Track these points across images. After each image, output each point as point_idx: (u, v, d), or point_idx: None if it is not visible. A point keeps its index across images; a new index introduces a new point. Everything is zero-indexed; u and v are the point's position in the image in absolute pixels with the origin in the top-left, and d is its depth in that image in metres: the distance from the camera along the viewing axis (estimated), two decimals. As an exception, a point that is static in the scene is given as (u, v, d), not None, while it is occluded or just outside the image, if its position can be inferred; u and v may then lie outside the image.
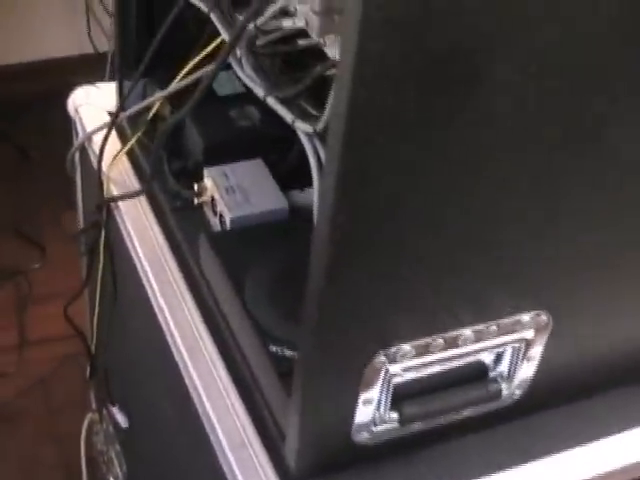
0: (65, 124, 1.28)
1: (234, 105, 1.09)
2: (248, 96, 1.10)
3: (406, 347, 0.78)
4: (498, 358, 0.87)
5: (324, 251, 0.69)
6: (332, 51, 0.76)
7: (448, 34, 0.60)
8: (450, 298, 0.77)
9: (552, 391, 0.92)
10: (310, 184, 1.01)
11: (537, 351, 0.86)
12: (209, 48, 0.94)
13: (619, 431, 0.94)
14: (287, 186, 1.02)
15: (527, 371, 0.88)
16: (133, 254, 1.05)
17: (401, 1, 0.57)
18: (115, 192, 1.10)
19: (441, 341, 0.79)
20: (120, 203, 1.08)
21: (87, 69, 2.49)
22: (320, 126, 0.70)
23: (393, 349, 0.77)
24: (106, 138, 1.04)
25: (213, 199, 1.01)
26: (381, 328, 0.76)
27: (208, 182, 1.01)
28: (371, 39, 0.58)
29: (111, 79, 1.24)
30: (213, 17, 0.83)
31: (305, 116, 0.73)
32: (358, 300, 0.73)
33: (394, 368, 0.79)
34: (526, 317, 0.82)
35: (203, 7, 0.84)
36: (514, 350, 0.85)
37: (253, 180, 1.01)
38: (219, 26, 0.81)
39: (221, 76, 1.10)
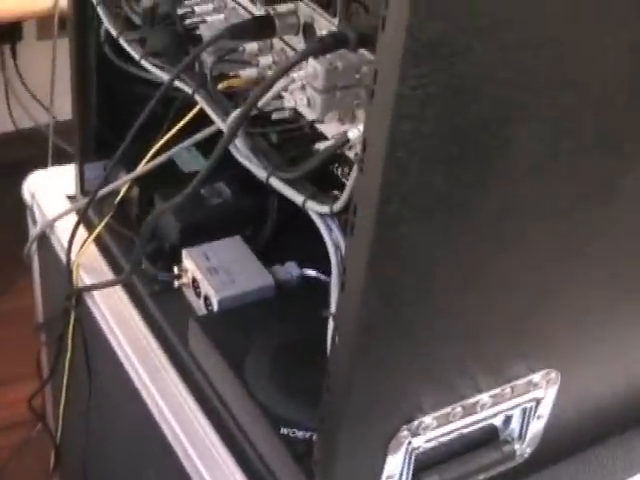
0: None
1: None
2: (216, 173, 1.09)
3: (428, 419, 0.77)
4: (507, 419, 0.86)
5: (352, 332, 0.67)
6: (329, 128, 0.75)
7: (478, 108, 0.60)
8: (469, 368, 0.77)
9: (560, 444, 0.92)
10: (288, 258, 1.01)
11: (546, 408, 0.86)
12: (178, 126, 0.92)
13: (624, 478, 0.95)
14: (264, 260, 1.01)
15: (537, 428, 0.87)
16: (113, 342, 1.02)
17: (435, 80, 0.57)
18: (87, 280, 1.07)
19: (460, 409, 0.79)
20: (94, 291, 1.05)
21: (8, 148, 2.46)
22: (338, 206, 0.68)
23: (416, 422, 0.76)
24: (77, 226, 1.01)
25: (195, 280, 0.99)
26: (405, 404, 0.75)
27: (188, 263, 0.99)
28: (404, 119, 0.58)
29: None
30: (199, 99, 0.81)
31: (316, 196, 0.72)
32: (384, 378, 0.72)
33: (417, 441, 0.77)
34: (537, 377, 0.83)
35: (187, 88, 0.82)
36: (525, 410, 0.85)
37: (234, 258, 0.99)
38: (209, 111, 0.79)
39: (183, 152, 1.08)
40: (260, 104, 0.72)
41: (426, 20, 0.55)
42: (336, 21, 0.74)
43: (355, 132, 0.68)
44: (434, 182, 0.62)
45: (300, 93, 0.72)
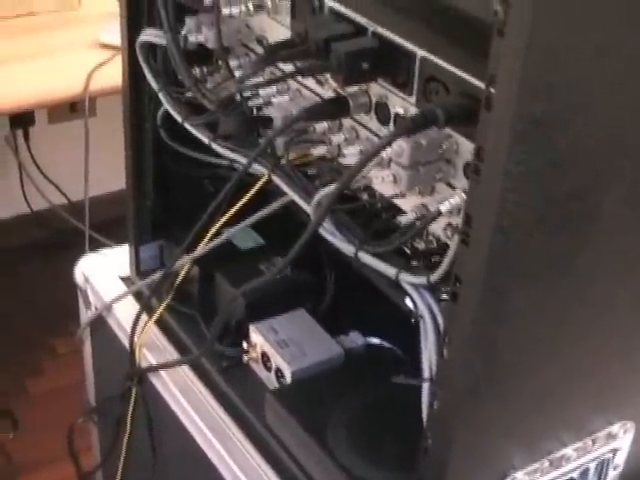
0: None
1: (260, 258, 1.10)
2: (269, 247, 1.13)
3: (520, 475, 0.79)
4: (585, 471, 0.89)
5: (454, 397, 0.70)
6: (406, 202, 0.79)
7: (572, 177, 0.64)
8: (557, 425, 0.79)
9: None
10: (347, 326, 1.04)
11: (622, 457, 0.89)
12: (238, 205, 0.95)
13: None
14: (326, 330, 1.03)
15: (614, 479, 0.90)
16: (185, 420, 1.04)
17: (537, 154, 0.60)
18: (151, 360, 1.09)
19: (547, 464, 0.81)
20: (161, 370, 1.07)
21: (23, 229, 2.49)
22: (436, 277, 0.72)
23: (509, 479, 0.79)
24: (142, 310, 1.04)
25: (264, 355, 1.01)
26: (499, 462, 0.78)
27: (257, 338, 1.02)
28: (510, 192, 0.61)
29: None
30: (277, 180, 0.85)
31: (408, 268, 0.75)
32: (483, 440, 0.74)
33: (510, 498, 0.80)
34: (615, 428, 0.85)
35: (263, 169, 0.86)
36: (604, 461, 0.88)
37: (302, 330, 1.02)
38: (289, 191, 0.83)
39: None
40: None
41: (532, 101, 0.59)
42: (413, 99, 0.77)
43: (447, 205, 0.71)
44: (533, 249, 0.65)
45: (383, 170, 0.75)
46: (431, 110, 0.70)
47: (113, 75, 1.55)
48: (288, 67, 0.86)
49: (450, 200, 0.72)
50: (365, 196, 0.84)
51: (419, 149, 0.73)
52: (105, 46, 1.65)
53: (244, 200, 0.94)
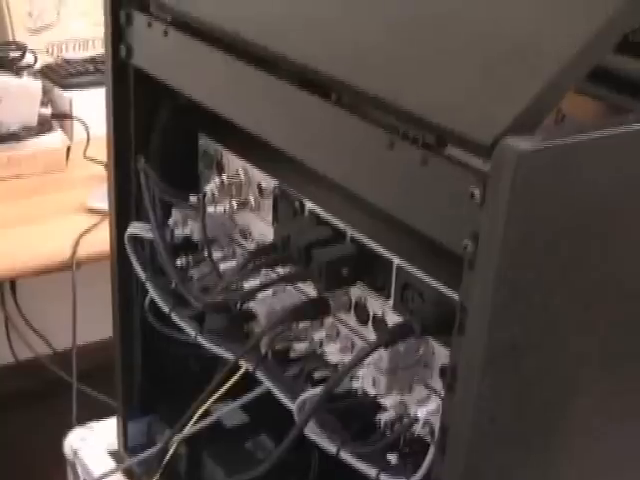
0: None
1: (246, 436, 1.12)
2: (254, 424, 1.15)
3: None
4: None
5: None
6: (387, 400, 0.82)
7: (543, 394, 0.67)
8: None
9: None
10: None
11: None
12: (225, 387, 0.98)
13: None
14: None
15: None
16: None
17: (509, 376, 0.64)
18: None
19: None
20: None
21: (8, 379, 2.50)
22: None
23: None
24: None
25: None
26: None
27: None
28: (482, 410, 0.65)
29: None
30: (262, 377, 0.88)
31: (388, 469, 0.78)
32: None
33: None
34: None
35: (247, 365, 0.89)
36: None
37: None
38: (274, 389, 0.86)
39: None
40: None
41: (502, 328, 0.63)
42: (390, 303, 0.81)
43: (424, 412, 0.75)
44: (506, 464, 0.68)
45: (365, 373, 0.79)
46: (408, 323, 0.74)
47: (101, 240, 1.60)
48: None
49: (427, 407, 0.75)
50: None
51: (397, 355, 0.77)
52: (92, 211, 1.70)
53: (229, 384, 0.96)
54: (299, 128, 0.77)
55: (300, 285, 0.91)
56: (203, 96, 0.91)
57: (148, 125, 1.02)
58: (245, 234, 1.00)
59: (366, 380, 0.78)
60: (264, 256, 0.86)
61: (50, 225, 1.69)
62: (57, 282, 1.99)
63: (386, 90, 0.67)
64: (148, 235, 0.99)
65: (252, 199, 0.95)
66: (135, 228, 1.01)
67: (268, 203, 0.94)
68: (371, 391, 0.79)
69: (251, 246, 0.99)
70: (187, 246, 1.02)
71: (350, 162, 0.72)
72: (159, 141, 1.02)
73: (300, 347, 0.90)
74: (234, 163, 0.98)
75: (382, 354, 0.76)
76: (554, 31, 0.63)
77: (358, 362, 0.75)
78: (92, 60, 2.08)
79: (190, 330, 0.97)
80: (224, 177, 0.96)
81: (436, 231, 0.66)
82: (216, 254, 1.01)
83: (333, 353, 0.87)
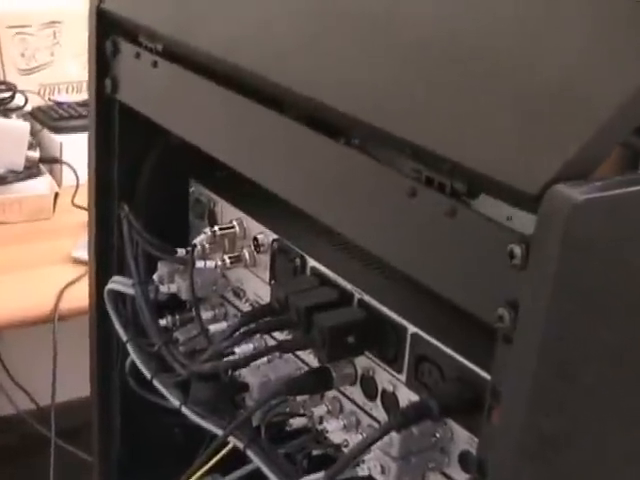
0: None
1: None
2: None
3: None
4: None
5: None
6: None
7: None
8: None
9: None
10: None
11: None
12: (213, 461, 0.87)
13: None
14: None
15: None
16: None
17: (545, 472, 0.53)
18: None
19: None
20: None
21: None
22: None
23: None
24: None
25: None
26: None
27: None
28: None
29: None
30: (253, 456, 0.77)
31: None
32: None
33: None
34: None
35: (237, 442, 0.78)
36: None
37: None
38: (267, 471, 0.75)
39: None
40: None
41: (541, 416, 0.52)
42: (403, 377, 0.70)
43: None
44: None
45: (372, 458, 0.68)
46: (424, 402, 0.63)
47: (86, 293, 1.49)
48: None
49: (447, 501, 0.64)
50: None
51: (410, 439, 0.66)
52: (78, 261, 1.59)
53: (216, 459, 0.85)
54: (306, 175, 0.67)
55: (299, 353, 0.81)
56: (197, 137, 0.80)
57: (134, 169, 0.92)
58: (238, 293, 0.89)
59: (373, 466, 0.67)
60: (259, 319, 0.75)
61: (33, 276, 1.59)
62: (41, 335, 1.88)
63: (410, 130, 0.57)
64: (129, 291, 0.89)
65: (247, 254, 0.85)
66: (116, 283, 0.90)
67: (265, 259, 0.84)
68: (379, 478, 0.68)
69: (245, 307, 0.88)
70: (173, 304, 0.92)
71: (364, 213, 0.61)
72: (146, 187, 0.92)
73: (297, 422, 0.78)
74: (228, 213, 0.88)
75: (393, 437, 0.66)
76: (608, 72, 0.53)
77: (366, 448, 0.64)
78: (85, 104, 1.98)
79: (173, 400, 0.85)
80: (216, 229, 0.85)
81: (463, 297, 0.55)
82: (206, 314, 0.90)
83: (335, 431, 0.76)
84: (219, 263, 0.84)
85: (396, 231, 0.58)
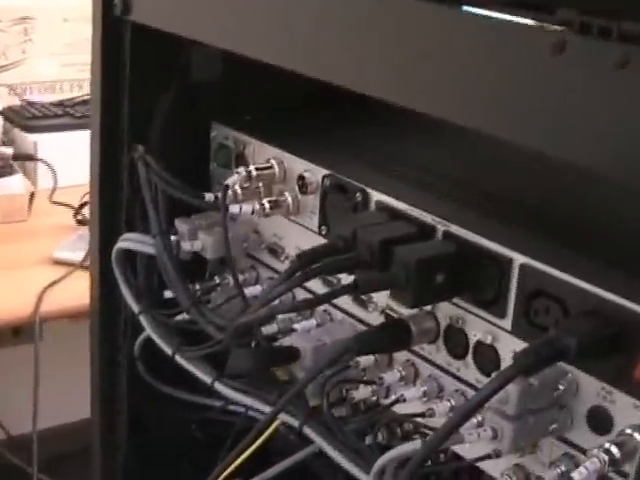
0: None
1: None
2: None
3: None
4: None
5: None
6: (497, 466, 0.56)
7: None
8: None
9: None
10: None
11: None
12: (239, 461, 0.72)
13: None
14: None
15: None
16: None
17: None
18: None
19: None
20: None
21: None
22: None
23: None
24: None
25: None
26: None
27: None
28: None
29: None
30: (313, 435, 0.62)
31: None
32: None
33: None
34: None
35: (292, 421, 0.63)
36: None
37: None
38: (337, 456, 0.60)
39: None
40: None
41: None
42: (507, 323, 0.56)
43: (582, 473, 0.49)
44: None
45: (474, 420, 0.53)
46: (559, 339, 0.49)
47: (66, 296, 1.34)
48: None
49: (586, 466, 0.49)
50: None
51: (529, 392, 0.52)
52: (58, 262, 1.43)
53: (247, 453, 0.70)
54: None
55: (356, 312, 0.67)
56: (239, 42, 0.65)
57: (147, 110, 0.77)
58: (275, 250, 0.75)
59: (483, 431, 0.53)
60: (320, 260, 0.61)
61: (9, 278, 1.43)
62: (14, 357, 1.73)
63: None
64: (145, 249, 0.74)
65: (289, 198, 0.71)
66: (128, 241, 0.76)
67: (312, 201, 0.70)
68: (488, 447, 0.53)
69: (284, 267, 0.74)
70: (193, 271, 0.77)
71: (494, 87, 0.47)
72: (161, 130, 0.77)
73: (361, 394, 0.64)
74: (263, 153, 0.74)
75: (510, 391, 0.51)
76: None
77: (481, 404, 0.50)
78: (60, 104, 1.84)
79: (204, 375, 0.70)
80: (252, 168, 0.71)
81: None
82: (232, 280, 0.76)
83: (414, 400, 0.62)
84: (257, 207, 0.70)
85: (539, 101, 0.44)
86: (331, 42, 0.56)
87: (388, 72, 0.52)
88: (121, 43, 0.75)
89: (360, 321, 0.67)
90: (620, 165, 0.41)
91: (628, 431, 0.51)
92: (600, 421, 0.53)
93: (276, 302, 0.63)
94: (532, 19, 0.45)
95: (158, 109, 0.78)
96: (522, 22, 0.45)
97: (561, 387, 0.54)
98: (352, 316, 0.68)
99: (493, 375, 0.54)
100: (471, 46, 0.47)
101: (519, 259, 0.55)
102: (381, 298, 0.65)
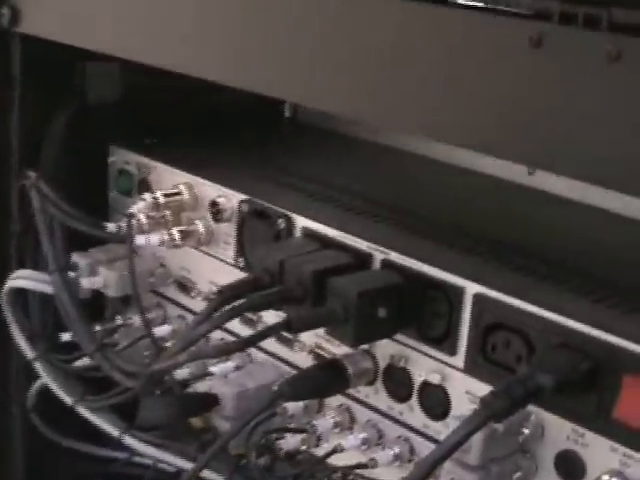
0: None
1: None
2: None
3: None
4: None
5: None
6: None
7: None
8: None
9: None
10: None
11: None
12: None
13: None
14: None
15: None
16: None
17: None
18: None
19: None
20: None
21: None
22: None
23: None
24: None
25: None
26: None
27: None
28: None
29: None
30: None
31: None
32: None
33: None
34: None
35: (215, 476, 0.56)
36: None
37: None
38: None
39: None
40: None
41: None
42: (458, 360, 0.50)
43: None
44: None
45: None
46: (532, 378, 0.43)
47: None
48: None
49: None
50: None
51: (493, 439, 0.46)
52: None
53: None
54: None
55: (281, 353, 0.60)
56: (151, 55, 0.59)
57: (41, 130, 0.69)
58: (185, 285, 0.67)
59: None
60: (242, 296, 0.54)
61: None
62: None
63: None
64: (41, 287, 0.66)
65: (201, 227, 0.64)
66: (21, 279, 0.67)
67: (228, 229, 0.63)
68: None
69: (195, 304, 0.67)
70: (92, 310, 0.69)
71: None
72: (54, 154, 0.69)
73: (290, 444, 0.57)
74: (170, 179, 0.66)
75: (472, 439, 0.45)
76: None
77: (449, 454, 0.43)
78: None
79: (111, 428, 0.63)
80: (159, 194, 0.64)
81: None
82: (137, 319, 0.68)
83: (350, 449, 0.55)
84: (166, 237, 0.63)
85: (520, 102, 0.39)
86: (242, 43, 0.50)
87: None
88: (9, 58, 0.67)
89: (285, 362, 0.61)
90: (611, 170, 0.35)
91: (605, 478, 0.45)
92: (570, 467, 0.47)
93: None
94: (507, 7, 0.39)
95: (51, 131, 0.70)
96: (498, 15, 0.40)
97: (525, 431, 0.48)
98: (276, 357, 0.61)
99: (448, 420, 0.48)
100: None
101: (472, 288, 0.49)
102: (309, 336, 0.58)
